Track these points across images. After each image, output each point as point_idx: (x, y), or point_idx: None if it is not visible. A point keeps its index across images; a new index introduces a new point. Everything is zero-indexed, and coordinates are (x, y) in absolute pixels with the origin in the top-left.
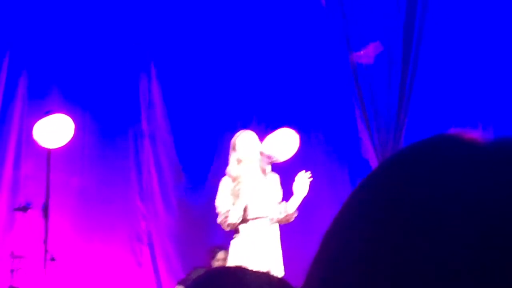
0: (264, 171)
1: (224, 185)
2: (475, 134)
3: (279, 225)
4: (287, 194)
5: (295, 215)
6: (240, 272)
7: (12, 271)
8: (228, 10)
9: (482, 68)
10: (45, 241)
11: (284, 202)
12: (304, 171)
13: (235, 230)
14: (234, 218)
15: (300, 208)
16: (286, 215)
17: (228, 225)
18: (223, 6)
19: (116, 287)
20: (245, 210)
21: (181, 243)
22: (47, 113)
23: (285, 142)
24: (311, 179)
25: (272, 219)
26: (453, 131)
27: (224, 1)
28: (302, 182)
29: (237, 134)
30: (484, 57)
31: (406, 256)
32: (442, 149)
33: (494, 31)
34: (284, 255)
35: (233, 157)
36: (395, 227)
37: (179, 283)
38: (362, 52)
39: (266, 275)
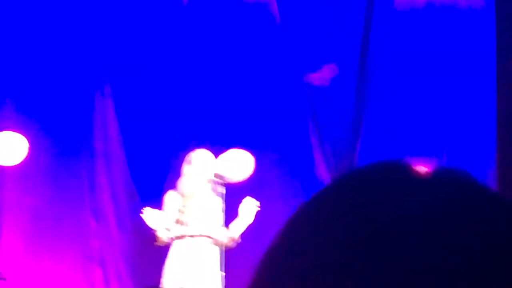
0: (215, 191)
1: (169, 199)
2: (418, 164)
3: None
4: (234, 216)
5: (237, 241)
6: None
7: None
8: (182, 29)
9: (438, 95)
10: None
11: (227, 227)
12: (249, 197)
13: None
14: (163, 234)
15: (253, 229)
16: (228, 240)
17: (157, 240)
18: (177, 26)
19: None
20: (186, 225)
21: (134, 263)
22: (0, 130)
23: (238, 163)
24: (258, 208)
25: (215, 240)
26: (400, 159)
27: (178, 21)
28: (248, 208)
29: (194, 151)
30: (441, 84)
31: (344, 274)
32: (385, 176)
33: (451, 54)
34: (233, 279)
35: (186, 171)
36: (333, 247)
37: None
38: (317, 74)
39: None
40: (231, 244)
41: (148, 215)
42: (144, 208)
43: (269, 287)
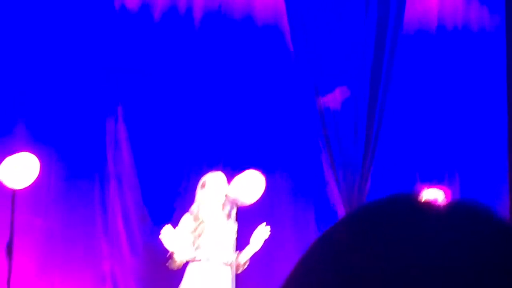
0: (228, 215)
1: (184, 222)
2: (432, 197)
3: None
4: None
5: (245, 266)
6: None
7: None
8: (195, 54)
9: (449, 117)
10: (8, 282)
11: (237, 251)
12: (265, 223)
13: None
14: (179, 257)
15: (264, 250)
16: (237, 265)
17: (171, 262)
18: (189, 50)
19: None
20: (200, 249)
21: (146, 286)
22: (12, 152)
23: (251, 185)
24: (269, 233)
25: (228, 264)
26: (412, 190)
27: (191, 45)
28: (261, 235)
29: (208, 174)
30: (452, 106)
31: None
32: (398, 212)
33: (463, 78)
34: None
35: (200, 195)
36: (346, 283)
37: None
38: (329, 97)
39: None
40: (240, 270)
41: (167, 235)
42: (163, 227)
43: None
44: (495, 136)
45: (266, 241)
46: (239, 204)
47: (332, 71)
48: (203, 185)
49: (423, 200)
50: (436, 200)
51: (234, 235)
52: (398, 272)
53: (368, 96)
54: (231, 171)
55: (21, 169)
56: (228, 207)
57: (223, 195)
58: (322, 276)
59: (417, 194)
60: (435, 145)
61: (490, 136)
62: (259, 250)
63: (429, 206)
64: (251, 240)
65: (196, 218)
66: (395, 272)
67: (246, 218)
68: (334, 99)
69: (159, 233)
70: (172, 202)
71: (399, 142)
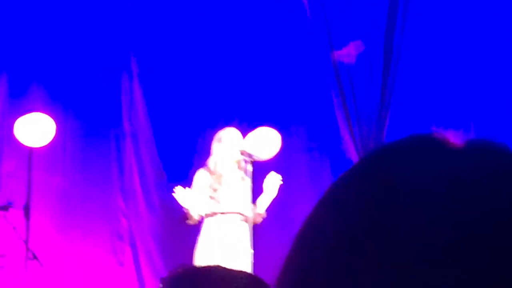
0: (243, 170)
1: (199, 177)
2: (450, 136)
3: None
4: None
5: (264, 216)
6: (215, 270)
7: None
8: (210, 8)
9: (465, 65)
10: (26, 240)
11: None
12: (274, 172)
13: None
14: (195, 213)
15: (281, 204)
16: (256, 216)
17: (189, 219)
18: (204, 4)
19: (98, 286)
20: (217, 203)
21: (163, 242)
22: (28, 111)
23: (266, 140)
24: (281, 182)
25: (245, 217)
26: (430, 131)
27: (207, 0)
28: (272, 182)
29: (224, 129)
30: (467, 54)
31: (379, 254)
32: (417, 149)
33: (477, 28)
34: (262, 254)
35: (216, 150)
36: (368, 225)
37: (162, 281)
38: (343, 51)
39: (243, 274)
40: (259, 219)
41: (180, 194)
42: (175, 187)
43: (301, 268)
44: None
45: (282, 197)
46: (254, 159)
47: (346, 24)
48: (219, 140)
49: (441, 139)
50: (455, 138)
51: (249, 189)
52: (418, 210)
53: (383, 48)
54: (247, 126)
55: (37, 128)
56: (243, 163)
57: (238, 150)
58: (342, 218)
59: (435, 134)
60: (450, 97)
61: (507, 85)
62: (276, 206)
63: (448, 143)
64: (264, 189)
65: (212, 172)
66: (415, 209)
67: (263, 174)
68: (348, 53)
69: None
70: (188, 158)
71: (414, 94)
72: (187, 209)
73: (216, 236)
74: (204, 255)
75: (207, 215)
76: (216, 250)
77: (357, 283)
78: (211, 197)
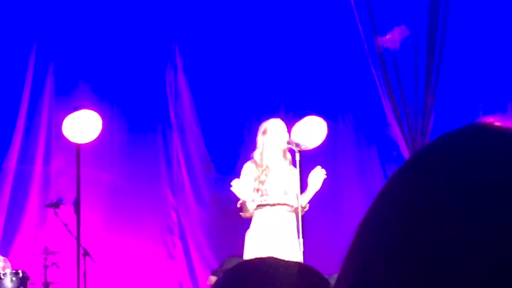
0: (288, 159)
1: (247, 170)
2: (507, 122)
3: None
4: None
5: (306, 209)
6: (270, 262)
7: (45, 266)
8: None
9: (510, 50)
10: (78, 236)
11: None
12: (320, 167)
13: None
14: (251, 205)
15: (331, 193)
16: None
17: (244, 211)
18: None
19: (149, 280)
20: (265, 195)
21: (213, 233)
22: (75, 108)
23: (313, 129)
24: (325, 176)
25: (292, 207)
26: (484, 119)
27: None
28: (316, 177)
29: (268, 120)
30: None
31: (439, 248)
32: (477, 140)
33: None
34: (314, 242)
35: (261, 142)
36: (428, 220)
37: (213, 273)
38: (388, 37)
39: (297, 265)
40: (301, 212)
41: (237, 186)
42: (232, 180)
43: (364, 258)
44: None
45: (331, 185)
46: (302, 148)
47: (390, 10)
48: (264, 132)
49: (499, 126)
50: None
51: (297, 180)
52: (483, 199)
53: (427, 33)
54: (292, 116)
55: (84, 125)
56: (289, 153)
57: (284, 140)
58: (395, 221)
59: (490, 123)
60: (496, 81)
61: None
62: (324, 195)
63: (506, 130)
64: (309, 183)
65: (258, 165)
66: (480, 199)
67: (310, 163)
68: (393, 38)
69: (223, 182)
70: (235, 150)
71: (460, 79)
72: (243, 202)
73: (266, 228)
74: (254, 247)
75: (256, 208)
76: (266, 242)
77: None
78: (258, 190)
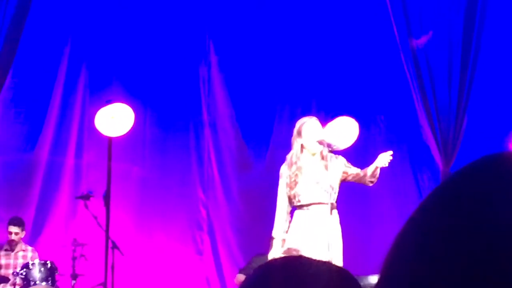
0: (325, 158)
1: (282, 172)
2: None
3: (337, 210)
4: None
5: (374, 181)
6: (299, 261)
7: (74, 258)
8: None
9: None
10: (107, 229)
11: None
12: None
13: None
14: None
15: (361, 195)
16: (364, 177)
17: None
18: None
19: (177, 275)
20: (299, 196)
21: (241, 231)
22: (108, 102)
23: (345, 130)
24: (391, 158)
25: (330, 205)
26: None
27: None
28: (384, 155)
29: (302, 120)
30: None
31: (474, 264)
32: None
33: None
34: (344, 243)
35: (297, 143)
36: (465, 239)
37: (241, 271)
38: (422, 39)
39: (326, 265)
40: (367, 182)
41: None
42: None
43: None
44: None
45: (361, 187)
46: (333, 149)
47: (425, 11)
48: (299, 134)
49: None
50: None
51: (335, 178)
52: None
53: (462, 35)
54: (324, 116)
55: (117, 118)
56: (326, 151)
57: (318, 140)
58: (439, 231)
59: None
60: None
61: None
62: (355, 196)
63: None
64: (376, 160)
65: (291, 165)
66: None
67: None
68: (425, 40)
69: (254, 179)
70: (267, 148)
71: (494, 82)
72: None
73: (303, 228)
74: (291, 245)
75: (297, 207)
76: (304, 242)
77: None
78: (292, 193)
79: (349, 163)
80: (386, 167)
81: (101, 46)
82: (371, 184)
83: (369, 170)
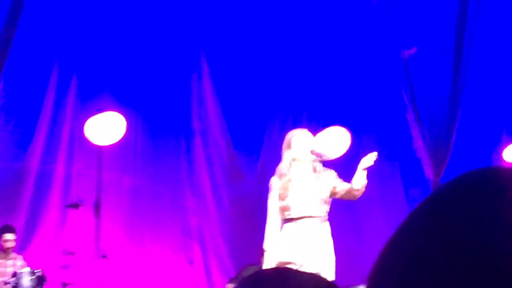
0: (315, 170)
1: (272, 185)
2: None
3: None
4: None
5: (363, 189)
6: (287, 273)
7: (64, 267)
8: (281, 7)
9: None
10: (97, 238)
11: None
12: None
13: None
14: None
15: (351, 206)
16: (352, 191)
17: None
18: (274, 3)
19: (167, 284)
20: (289, 209)
21: (232, 241)
22: (99, 110)
23: (336, 140)
24: (374, 159)
25: (321, 218)
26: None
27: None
28: (367, 157)
29: (292, 132)
30: None
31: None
32: (495, 183)
33: None
34: (336, 254)
35: (287, 156)
36: (450, 254)
37: (231, 281)
38: (412, 50)
39: (314, 277)
40: (357, 195)
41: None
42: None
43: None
44: None
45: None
46: (324, 159)
47: (416, 22)
48: (289, 145)
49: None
50: None
51: (332, 184)
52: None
53: (454, 46)
54: (315, 126)
55: (107, 127)
56: (316, 163)
57: (309, 151)
58: (424, 243)
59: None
60: None
61: None
62: (345, 206)
63: None
64: (359, 165)
65: (281, 177)
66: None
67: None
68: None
69: (244, 188)
70: (257, 157)
71: (485, 94)
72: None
73: (294, 241)
74: (282, 258)
75: (285, 221)
76: (295, 255)
77: None
78: (283, 205)
79: (340, 178)
80: (377, 177)
81: (92, 55)
82: (359, 194)
83: (355, 176)
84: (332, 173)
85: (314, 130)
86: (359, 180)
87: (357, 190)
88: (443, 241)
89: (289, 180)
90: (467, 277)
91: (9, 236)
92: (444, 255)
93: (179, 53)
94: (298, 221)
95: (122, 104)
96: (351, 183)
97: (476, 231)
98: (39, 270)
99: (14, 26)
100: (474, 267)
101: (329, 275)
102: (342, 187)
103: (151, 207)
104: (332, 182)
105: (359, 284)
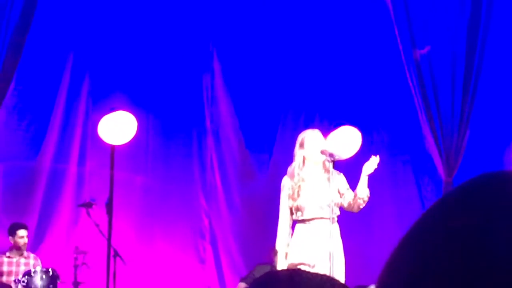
0: (327, 170)
1: (284, 185)
2: None
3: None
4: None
5: (366, 198)
6: (299, 275)
7: (76, 266)
8: (294, 6)
9: None
10: (109, 237)
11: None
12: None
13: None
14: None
15: (364, 206)
16: (357, 200)
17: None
18: (287, 2)
19: (178, 283)
20: (301, 210)
21: (244, 240)
22: (111, 110)
23: (347, 140)
24: (377, 163)
25: (332, 219)
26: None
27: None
28: (369, 163)
29: (305, 132)
30: None
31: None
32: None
33: None
34: (346, 253)
35: (299, 155)
36: (461, 257)
37: (242, 280)
38: (425, 49)
39: (327, 278)
40: (361, 204)
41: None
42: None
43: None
44: None
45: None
46: (335, 159)
47: (429, 22)
48: (302, 144)
49: None
50: None
51: (341, 188)
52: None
53: (465, 46)
54: (327, 125)
55: (120, 126)
56: (327, 163)
57: (320, 152)
58: (435, 245)
59: None
60: None
61: None
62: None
63: None
64: (362, 172)
65: (293, 176)
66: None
67: (344, 173)
68: (427, 51)
69: (256, 188)
70: (270, 157)
71: (498, 92)
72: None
73: (306, 242)
74: (294, 260)
75: (297, 222)
76: (306, 256)
77: None
78: (294, 206)
79: (348, 186)
80: (389, 178)
81: (104, 54)
82: (362, 204)
83: (359, 184)
84: (342, 179)
85: (326, 130)
86: (363, 188)
87: (361, 198)
88: (454, 244)
89: (302, 180)
90: (477, 281)
91: (22, 232)
92: (454, 258)
93: (191, 52)
94: (309, 222)
95: (134, 104)
96: (356, 191)
97: (487, 235)
98: (51, 268)
99: (27, 26)
100: (485, 271)
101: (340, 274)
102: (348, 195)
103: (163, 206)
104: (340, 186)
105: (369, 284)
